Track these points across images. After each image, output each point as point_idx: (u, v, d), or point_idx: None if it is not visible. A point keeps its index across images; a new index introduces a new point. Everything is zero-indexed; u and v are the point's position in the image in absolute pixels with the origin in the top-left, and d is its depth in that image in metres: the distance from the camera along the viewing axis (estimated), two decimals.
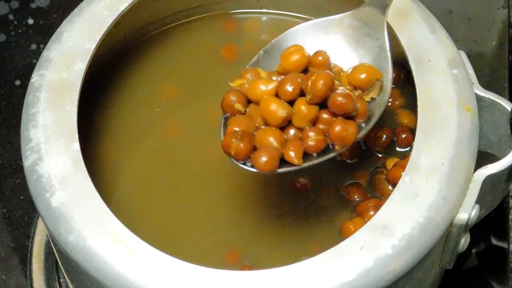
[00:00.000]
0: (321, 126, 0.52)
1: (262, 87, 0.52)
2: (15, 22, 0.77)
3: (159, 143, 0.59)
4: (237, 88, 0.53)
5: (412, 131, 0.56)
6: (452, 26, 0.72)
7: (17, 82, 0.74)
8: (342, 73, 0.54)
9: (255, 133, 0.52)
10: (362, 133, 0.52)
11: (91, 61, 0.55)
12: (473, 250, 0.65)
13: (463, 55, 0.56)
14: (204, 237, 0.56)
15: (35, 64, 0.55)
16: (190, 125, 0.60)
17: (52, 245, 0.62)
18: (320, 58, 0.53)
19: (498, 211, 0.65)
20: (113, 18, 0.56)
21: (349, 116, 0.52)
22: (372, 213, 0.54)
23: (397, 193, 0.50)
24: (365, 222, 0.50)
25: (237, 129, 0.52)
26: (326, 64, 0.53)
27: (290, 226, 0.56)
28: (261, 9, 0.64)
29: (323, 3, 0.62)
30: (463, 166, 0.51)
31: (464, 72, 0.54)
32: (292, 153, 0.51)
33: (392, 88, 0.60)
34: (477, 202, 0.51)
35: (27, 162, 0.51)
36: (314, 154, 0.52)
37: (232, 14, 0.64)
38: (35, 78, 0.54)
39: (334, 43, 0.55)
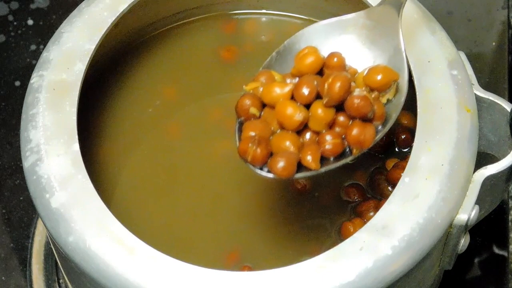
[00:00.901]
0: (337, 129, 0.51)
1: (278, 90, 0.51)
2: (15, 23, 0.77)
3: (159, 144, 0.59)
4: (251, 91, 0.52)
5: (412, 132, 0.56)
6: (452, 27, 0.72)
7: (17, 83, 0.74)
8: (357, 75, 0.53)
9: (270, 137, 0.51)
10: (379, 136, 0.51)
11: (91, 62, 0.55)
12: (473, 251, 0.65)
13: (462, 56, 0.56)
14: (204, 238, 0.56)
15: (35, 65, 0.55)
16: (190, 126, 0.60)
17: (51, 246, 0.62)
18: (335, 59, 0.52)
19: (498, 212, 0.65)
20: (113, 19, 0.56)
21: (366, 119, 0.51)
22: (371, 213, 0.54)
23: (396, 194, 0.49)
24: (365, 222, 0.50)
25: (253, 133, 0.51)
26: (342, 66, 0.52)
27: (290, 227, 0.56)
28: (261, 9, 0.64)
29: (322, 3, 0.62)
30: (463, 167, 0.51)
31: (463, 73, 0.54)
32: (309, 158, 0.50)
33: None
34: (476, 202, 0.51)
35: (26, 163, 0.51)
36: (331, 158, 0.51)
37: (231, 15, 0.64)
38: (34, 79, 0.54)
39: (348, 43, 0.54)
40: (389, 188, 0.55)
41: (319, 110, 0.50)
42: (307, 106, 0.51)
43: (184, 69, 0.62)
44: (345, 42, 0.54)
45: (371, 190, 0.57)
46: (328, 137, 0.50)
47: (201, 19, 0.64)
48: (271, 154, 0.51)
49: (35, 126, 0.52)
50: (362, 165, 0.57)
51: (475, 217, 0.51)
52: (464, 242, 0.53)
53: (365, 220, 0.54)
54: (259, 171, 0.51)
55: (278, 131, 0.51)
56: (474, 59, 0.58)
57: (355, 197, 0.56)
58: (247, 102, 0.52)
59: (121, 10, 0.57)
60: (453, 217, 0.50)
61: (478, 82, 0.56)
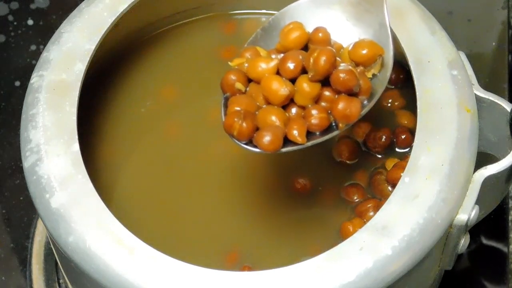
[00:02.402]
0: (323, 104, 0.51)
1: (263, 66, 0.51)
2: (15, 23, 0.77)
3: (159, 144, 0.59)
4: (237, 67, 0.52)
5: (412, 132, 0.56)
6: (452, 27, 0.72)
7: (17, 83, 0.74)
8: (342, 50, 0.53)
9: (256, 112, 0.51)
10: (365, 110, 0.51)
11: (91, 62, 0.55)
12: (473, 251, 0.65)
13: (462, 56, 0.56)
14: (204, 238, 0.56)
15: (35, 65, 0.55)
16: (189, 126, 0.60)
17: (51, 246, 0.62)
18: (320, 34, 0.52)
19: (498, 212, 0.65)
20: (113, 19, 0.56)
21: (352, 93, 0.51)
22: (371, 213, 0.54)
23: (396, 194, 0.50)
24: (365, 223, 0.50)
25: (238, 108, 0.51)
26: (327, 41, 0.52)
27: (290, 227, 0.56)
28: (261, 9, 0.64)
29: None
30: (463, 167, 0.51)
31: (464, 73, 0.54)
32: (295, 132, 0.50)
33: (392, 89, 0.60)
34: (476, 203, 0.51)
35: (26, 163, 0.51)
36: (318, 133, 0.51)
37: (231, 15, 0.64)
38: (34, 79, 0.54)
39: (333, 19, 0.54)
40: (389, 188, 0.55)
41: (304, 85, 0.50)
42: (293, 81, 0.51)
43: (184, 69, 0.62)
44: (331, 18, 0.54)
45: (371, 190, 0.56)
46: (314, 112, 0.50)
47: (201, 19, 0.64)
48: (257, 129, 0.50)
49: (35, 126, 0.52)
50: (362, 165, 0.57)
51: (475, 217, 0.51)
52: (464, 242, 0.53)
53: (365, 220, 0.54)
54: (245, 146, 0.51)
55: (264, 106, 0.51)
56: (474, 59, 0.58)
57: (355, 197, 0.56)
58: (233, 77, 0.52)
59: (121, 10, 0.57)
60: (453, 217, 0.50)
61: (478, 82, 0.56)
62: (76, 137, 0.51)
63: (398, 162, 0.56)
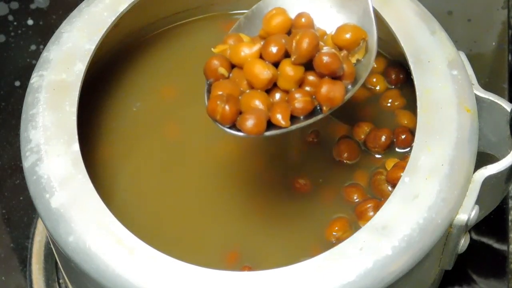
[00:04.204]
0: (307, 88, 0.50)
1: (246, 50, 0.51)
2: (15, 23, 0.77)
3: (159, 144, 0.59)
4: (220, 54, 0.52)
5: (412, 132, 0.56)
6: (452, 27, 0.72)
7: (17, 83, 0.74)
8: (326, 36, 0.53)
9: (240, 97, 0.51)
10: (349, 94, 0.51)
11: (91, 62, 0.55)
12: (473, 251, 0.65)
13: (462, 56, 0.56)
14: (204, 238, 0.56)
15: (35, 65, 0.55)
16: (189, 126, 0.60)
17: (51, 246, 0.62)
18: (303, 20, 0.52)
19: (498, 212, 0.65)
20: (113, 19, 0.56)
21: (335, 77, 0.50)
22: (371, 213, 0.54)
23: (396, 194, 0.50)
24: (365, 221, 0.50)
25: (221, 93, 0.50)
26: (310, 26, 0.52)
27: (290, 227, 0.56)
28: None
29: None
30: (463, 167, 0.51)
31: (463, 73, 0.54)
32: (279, 116, 0.50)
33: (392, 88, 0.60)
34: (476, 203, 0.51)
35: (26, 163, 0.51)
36: (301, 117, 0.51)
37: (231, 15, 0.64)
38: (34, 79, 0.54)
39: (316, 6, 0.54)
40: (389, 188, 0.55)
41: (287, 68, 0.50)
42: (276, 65, 0.51)
43: (184, 69, 0.62)
44: (314, 5, 0.54)
45: (371, 190, 0.56)
46: (298, 95, 0.50)
47: (201, 19, 0.64)
48: (240, 113, 0.50)
49: (35, 126, 0.52)
50: (362, 165, 0.57)
51: (475, 217, 0.51)
52: (464, 242, 0.53)
53: (365, 220, 0.54)
54: (228, 130, 0.50)
55: (248, 91, 0.51)
56: (474, 59, 0.58)
57: (355, 197, 0.56)
58: (216, 62, 0.51)
59: (121, 10, 0.57)
60: (453, 217, 0.50)
61: (478, 82, 0.56)
62: (76, 137, 0.51)
63: (398, 162, 0.56)
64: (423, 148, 0.51)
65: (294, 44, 0.50)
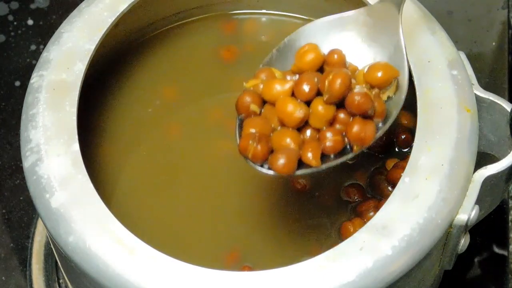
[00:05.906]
0: (338, 126, 0.51)
1: (278, 87, 0.51)
2: (15, 23, 0.77)
3: (159, 144, 0.59)
4: (252, 88, 0.52)
5: (412, 132, 0.56)
6: (452, 27, 0.72)
7: (17, 83, 0.74)
8: (357, 72, 0.53)
9: (271, 134, 0.51)
10: (380, 133, 0.51)
11: (91, 62, 0.55)
12: (473, 251, 0.65)
13: (462, 56, 0.56)
14: (204, 237, 0.56)
15: (35, 65, 0.55)
16: (189, 126, 0.60)
17: (51, 246, 0.62)
18: (336, 56, 0.52)
19: (498, 212, 0.65)
20: (113, 19, 0.56)
21: (366, 116, 0.51)
22: (371, 213, 0.54)
23: (396, 194, 0.50)
24: (365, 223, 0.50)
25: (253, 130, 0.51)
26: (342, 63, 0.52)
27: (290, 227, 0.56)
28: (261, 9, 0.64)
29: (322, 3, 0.62)
30: (463, 167, 0.51)
31: (463, 73, 0.54)
32: (310, 154, 0.50)
33: None
34: (476, 203, 0.51)
35: (26, 163, 0.51)
36: (332, 155, 0.51)
37: (231, 14, 0.64)
38: (34, 79, 0.54)
39: (348, 41, 0.54)
40: (389, 188, 0.55)
41: (319, 107, 0.50)
42: (308, 103, 0.51)
43: (184, 69, 0.62)
44: (346, 40, 0.54)
45: (371, 190, 0.57)
46: (329, 134, 0.50)
47: (201, 19, 0.64)
48: (271, 151, 0.50)
49: (35, 126, 0.52)
50: (362, 165, 0.57)
51: (475, 217, 0.51)
52: (464, 242, 0.53)
53: (365, 220, 0.54)
54: (259, 168, 0.51)
55: (279, 128, 0.51)
56: (474, 59, 0.58)
57: (355, 197, 0.56)
58: (248, 99, 0.51)
59: (121, 10, 0.57)
60: (453, 217, 0.50)
61: (478, 82, 0.56)
62: (76, 137, 0.51)
63: (398, 162, 0.56)
64: (423, 148, 0.51)
65: (326, 83, 0.50)
